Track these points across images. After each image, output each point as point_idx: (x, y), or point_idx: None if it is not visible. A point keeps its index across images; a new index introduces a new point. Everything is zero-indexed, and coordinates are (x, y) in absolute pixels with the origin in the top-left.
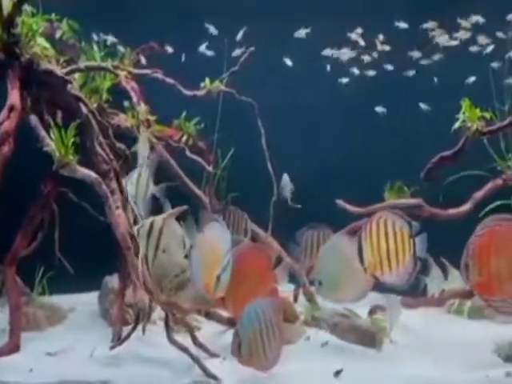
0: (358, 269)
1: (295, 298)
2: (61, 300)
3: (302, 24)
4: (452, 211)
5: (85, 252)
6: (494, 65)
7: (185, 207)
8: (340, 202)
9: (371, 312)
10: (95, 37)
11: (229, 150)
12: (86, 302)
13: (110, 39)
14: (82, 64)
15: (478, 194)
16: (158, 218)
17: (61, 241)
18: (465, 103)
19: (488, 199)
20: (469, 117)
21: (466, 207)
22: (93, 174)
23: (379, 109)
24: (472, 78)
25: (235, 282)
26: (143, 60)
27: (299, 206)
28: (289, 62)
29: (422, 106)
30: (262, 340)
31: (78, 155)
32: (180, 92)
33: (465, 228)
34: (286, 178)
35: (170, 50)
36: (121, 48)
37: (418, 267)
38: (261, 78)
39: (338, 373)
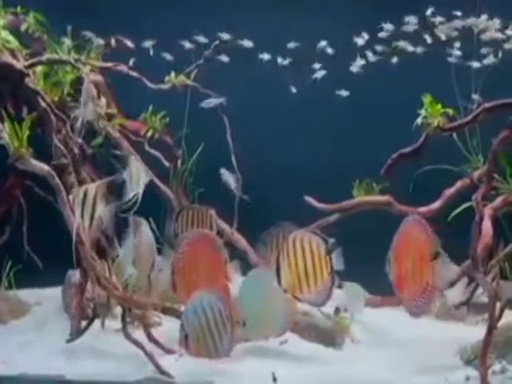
0: (278, 301)
1: None
2: (28, 294)
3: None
4: (422, 209)
5: (54, 246)
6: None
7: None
8: (308, 199)
9: (337, 311)
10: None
11: (198, 144)
12: (52, 296)
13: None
14: (44, 57)
15: (448, 192)
16: (92, 186)
17: (29, 234)
18: (426, 99)
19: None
20: (430, 113)
21: (437, 205)
22: (46, 167)
23: (343, 92)
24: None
25: (186, 273)
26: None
27: (246, 196)
28: (266, 57)
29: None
30: (209, 330)
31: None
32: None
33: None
34: (224, 172)
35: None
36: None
37: (335, 283)
38: (230, 74)
39: (274, 379)
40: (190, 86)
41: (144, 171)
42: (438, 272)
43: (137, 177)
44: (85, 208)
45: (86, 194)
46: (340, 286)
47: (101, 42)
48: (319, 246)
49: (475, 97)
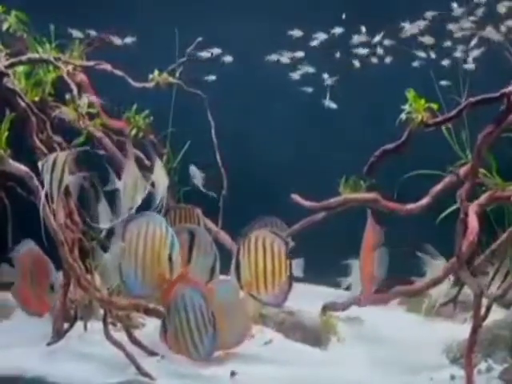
0: (237, 314)
1: None
2: None
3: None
4: (410, 206)
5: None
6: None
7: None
8: (295, 197)
9: (324, 309)
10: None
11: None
12: None
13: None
14: (24, 56)
15: (436, 189)
16: (62, 154)
17: (14, 235)
18: (410, 94)
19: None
20: (414, 108)
21: (425, 202)
22: (24, 168)
23: (332, 105)
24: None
25: None
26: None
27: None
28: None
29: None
30: (189, 327)
31: None
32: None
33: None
34: (193, 169)
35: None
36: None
37: (292, 288)
38: (217, 73)
39: (232, 374)
40: (175, 84)
41: (166, 175)
42: (376, 262)
43: (162, 181)
44: (53, 175)
45: (55, 162)
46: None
47: (80, 35)
48: (280, 249)
49: None
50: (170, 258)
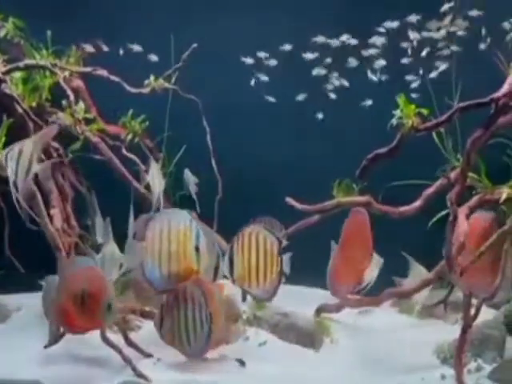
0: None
1: (243, 297)
2: (9, 299)
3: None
4: (403, 209)
5: (35, 250)
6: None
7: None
8: (289, 200)
9: (318, 311)
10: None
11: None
12: (34, 301)
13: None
14: (21, 63)
15: (428, 191)
16: (29, 141)
17: (11, 239)
18: (401, 99)
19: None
20: (405, 113)
21: (417, 204)
22: None
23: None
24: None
25: None
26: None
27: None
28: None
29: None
30: (185, 322)
31: None
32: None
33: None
34: (187, 173)
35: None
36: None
37: (281, 284)
38: (211, 75)
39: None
40: (171, 89)
41: (161, 177)
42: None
43: (158, 183)
44: (19, 163)
45: (21, 150)
46: None
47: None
48: (273, 245)
49: None
50: (197, 249)
